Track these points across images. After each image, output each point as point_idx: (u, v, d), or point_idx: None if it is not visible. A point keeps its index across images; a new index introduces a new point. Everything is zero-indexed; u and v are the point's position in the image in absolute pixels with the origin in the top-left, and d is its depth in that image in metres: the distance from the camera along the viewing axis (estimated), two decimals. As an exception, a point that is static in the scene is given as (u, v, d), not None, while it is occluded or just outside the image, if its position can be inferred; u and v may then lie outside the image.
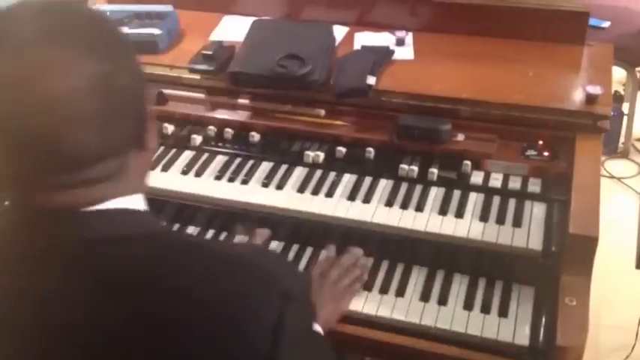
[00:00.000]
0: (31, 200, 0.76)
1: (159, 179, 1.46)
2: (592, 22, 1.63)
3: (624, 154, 3.20)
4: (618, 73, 3.00)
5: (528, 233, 1.28)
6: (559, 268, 1.20)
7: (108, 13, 1.71)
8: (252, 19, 1.73)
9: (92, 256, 0.76)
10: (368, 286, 1.30)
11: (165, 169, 1.50)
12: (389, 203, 1.37)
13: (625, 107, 3.07)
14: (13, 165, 0.75)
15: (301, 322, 0.81)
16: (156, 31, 1.66)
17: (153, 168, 1.49)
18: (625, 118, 3.09)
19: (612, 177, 2.98)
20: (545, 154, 1.40)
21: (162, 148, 1.55)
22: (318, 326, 1.07)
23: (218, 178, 1.46)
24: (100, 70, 0.73)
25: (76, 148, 0.73)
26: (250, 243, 1.36)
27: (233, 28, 1.76)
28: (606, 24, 2.74)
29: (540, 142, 1.41)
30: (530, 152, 1.41)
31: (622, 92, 3.11)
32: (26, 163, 0.74)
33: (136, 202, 0.82)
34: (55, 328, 0.75)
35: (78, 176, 0.75)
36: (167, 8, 1.74)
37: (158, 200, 1.41)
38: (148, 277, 0.76)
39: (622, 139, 3.19)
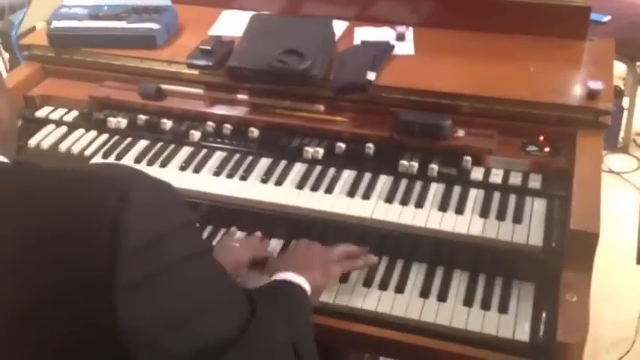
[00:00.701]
0: None
1: (157, 175, 1.44)
2: (592, 16, 1.62)
3: (624, 149, 3.20)
4: (618, 68, 3.00)
5: (529, 229, 1.27)
6: (560, 264, 1.20)
7: (105, 7, 1.70)
8: (251, 13, 1.72)
9: None
10: (367, 283, 1.29)
11: (163, 164, 1.49)
12: (389, 199, 1.36)
13: (625, 102, 3.06)
14: None
15: (148, 228, 0.74)
16: (154, 25, 1.65)
17: (151, 164, 1.49)
18: (625, 113, 3.09)
19: (612, 172, 2.97)
20: (546, 149, 1.39)
21: (160, 144, 1.55)
22: (282, 274, 1.13)
23: (217, 174, 1.45)
24: None
25: None
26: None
27: (232, 23, 1.75)
28: (607, 18, 2.74)
29: (541, 138, 1.40)
30: (531, 148, 1.40)
31: (622, 87, 3.10)
32: None
33: None
34: None
35: None
36: (165, 3, 1.73)
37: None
38: None
39: (622, 133, 3.19)
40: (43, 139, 1.57)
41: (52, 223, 0.73)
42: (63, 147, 1.54)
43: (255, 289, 1.07)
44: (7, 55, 3.02)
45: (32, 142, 1.56)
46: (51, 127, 1.61)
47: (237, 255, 1.31)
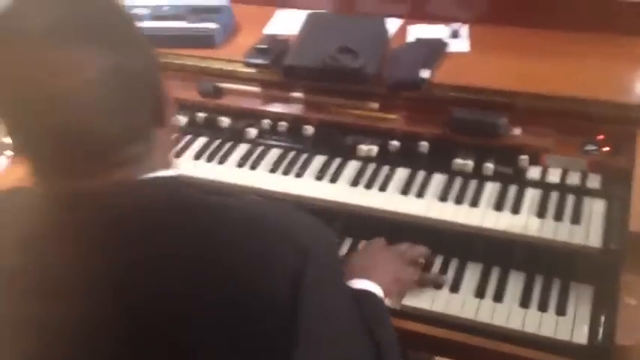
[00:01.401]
0: (66, 187, 0.79)
1: (215, 172, 1.49)
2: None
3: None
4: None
5: (587, 230, 1.25)
6: (619, 266, 1.17)
7: (166, 8, 1.74)
8: (305, 12, 1.73)
9: (122, 226, 0.78)
10: (421, 282, 1.30)
11: (221, 161, 1.52)
12: (443, 198, 1.36)
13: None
14: (44, 155, 0.79)
15: (323, 280, 0.80)
16: (212, 25, 1.68)
17: (210, 161, 1.52)
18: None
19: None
20: (606, 149, 1.36)
21: (218, 141, 1.58)
22: (360, 282, 1.11)
23: (272, 170, 1.48)
24: (109, 61, 0.76)
25: (99, 136, 0.77)
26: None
27: (287, 22, 1.77)
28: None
29: (600, 137, 1.38)
30: (590, 147, 1.37)
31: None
32: (56, 154, 0.78)
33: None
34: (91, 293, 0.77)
35: (108, 160, 0.79)
36: (223, 2, 1.76)
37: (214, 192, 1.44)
38: (169, 241, 0.77)
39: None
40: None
41: (230, 269, 0.76)
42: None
43: None
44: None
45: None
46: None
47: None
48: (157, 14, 1.73)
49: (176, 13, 1.72)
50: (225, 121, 1.59)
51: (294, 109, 1.57)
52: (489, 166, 1.39)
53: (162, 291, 0.75)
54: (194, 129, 1.61)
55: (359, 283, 1.15)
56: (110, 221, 0.78)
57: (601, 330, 1.15)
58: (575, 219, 1.28)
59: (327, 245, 0.86)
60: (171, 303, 0.75)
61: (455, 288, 1.28)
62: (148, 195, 0.81)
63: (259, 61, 1.59)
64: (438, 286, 1.28)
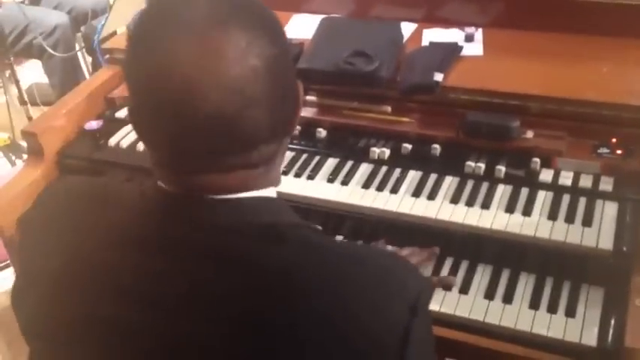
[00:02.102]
0: (186, 182, 0.77)
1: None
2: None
3: None
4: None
5: (599, 232, 1.25)
6: (630, 268, 1.17)
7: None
8: (320, 17, 1.75)
9: (222, 243, 0.76)
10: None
11: (234, 163, 1.54)
12: (454, 200, 1.36)
13: None
14: (184, 144, 0.75)
15: (426, 334, 0.80)
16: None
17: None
18: None
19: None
20: (619, 152, 1.36)
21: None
22: None
23: (285, 173, 1.49)
24: (273, 52, 0.74)
25: (251, 128, 0.74)
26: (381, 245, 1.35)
27: (302, 26, 1.79)
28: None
29: (613, 140, 1.37)
30: (603, 150, 1.37)
31: None
32: (201, 143, 0.74)
33: (271, 193, 0.83)
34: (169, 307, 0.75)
35: (245, 157, 0.77)
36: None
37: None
38: (273, 274, 0.74)
39: None
40: (123, 138, 1.65)
41: (343, 317, 0.74)
42: (140, 146, 1.62)
43: None
44: (89, 59, 3.17)
45: (112, 141, 1.65)
46: (130, 127, 1.69)
47: None
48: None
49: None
50: (239, 123, 1.61)
51: (308, 112, 1.59)
52: (501, 169, 1.39)
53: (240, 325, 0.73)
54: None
55: None
56: (208, 245, 0.76)
57: (611, 332, 1.15)
58: (587, 221, 1.27)
59: (429, 298, 0.84)
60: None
61: (464, 290, 1.28)
62: (256, 230, 0.77)
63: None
64: (447, 287, 1.28)
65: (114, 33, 2.03)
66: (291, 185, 1.46)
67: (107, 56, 1.84)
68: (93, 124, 1.66)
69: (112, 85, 1.79)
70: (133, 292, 0.77)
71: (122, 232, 0.80)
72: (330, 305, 0.73)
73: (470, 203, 1.35)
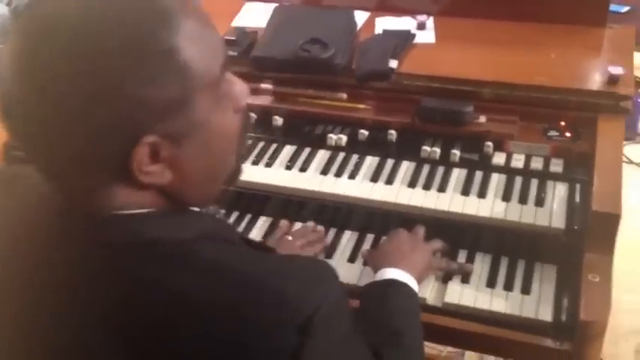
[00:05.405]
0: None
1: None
2: (611, 7, 1.63)
3: (643, 140, 3.18)
4: (636, 59, 2.98)
5: (551, 212, 1.29)
6: (582, 246, 1.21)
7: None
8: (273, 5, 1.75)
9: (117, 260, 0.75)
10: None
11: (190, 152, 1.52)
12: (412, 184, 1.39)
13: (644, 93, 3.05)
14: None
15: (326, 349, 0.75)
16: (180, 17, 1.68)
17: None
18: (644, 104, 3.07)
19: (631, 162, 2.96)
20: (567, 134, 1.41)
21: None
22: (391, 271, 1.13)
23: (243, 160, 1.48)
24: None
25: None
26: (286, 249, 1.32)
27: (255, 15, 1.78)
28: (625, 9, 2.73)
29: (562, 123, 1.42)
30: (552, 133, 1.42)
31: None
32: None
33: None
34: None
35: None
36: (190, -5, 1.76)
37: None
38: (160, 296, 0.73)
39: (641, 125, 3.17)
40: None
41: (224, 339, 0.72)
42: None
43: (366, 294, 1.13)
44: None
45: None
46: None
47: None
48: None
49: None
50: (194, 112, 1.59)
51: (263, 100, 1.58)
52: (456, 153, 1.42)
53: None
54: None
55: (390, 273, 1.16)
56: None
57: (565, 307, 1.19)
58: (539, 202, 1.31)
59: (330, 311, 0.76)
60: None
61: (424, 271, 1.30)
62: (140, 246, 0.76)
63: (228, 52, 1.59)
64: (465, 275, 1.27)
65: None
66: (250, 173, 1.45)
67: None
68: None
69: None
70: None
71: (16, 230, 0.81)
72: (219, 332, 0.71)
73: (427, 187, 1.38)
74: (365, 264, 1.32)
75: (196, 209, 0.83)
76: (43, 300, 0.77)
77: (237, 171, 0.89)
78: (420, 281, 1.21)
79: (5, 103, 0.71)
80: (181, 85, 0.71)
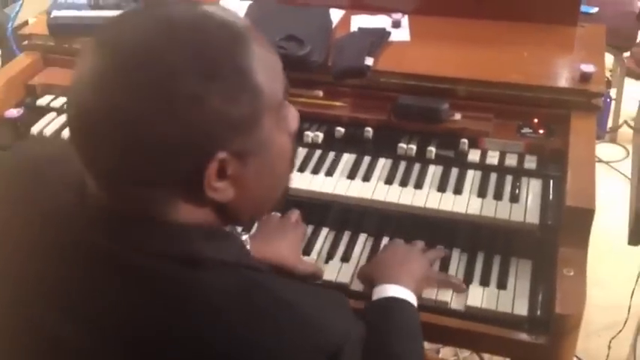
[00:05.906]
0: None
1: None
2: (582, 8, 1.67)
3: (612, 139, 3.25)
4: (606, 59, 3.04)
5: (525, 208, 1.30)
6: (556, 240, 1.23)
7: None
8: (249, 2, 1.74)
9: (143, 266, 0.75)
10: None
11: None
12: (388, 181, 1.39)
13: (612, 93, 3.11)
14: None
15: None
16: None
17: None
18: (613, 104, 3.14)
19: (601, 161, 3.02)
20: (541, 131, 1.43)
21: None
22: (391, 288, 1.12)
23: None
24: None
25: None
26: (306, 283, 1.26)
27: (230, 12, 1.77)
28: (595, 10, 2.79)
29: (535, 121, 1.44)
30: (526, 130, 1.43)
31: (609, 78, 3.15)
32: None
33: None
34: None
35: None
36: (164, -8, 1.75)
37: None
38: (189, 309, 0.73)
39: (610, 124, 3.24)
40: (46, 126, 1.58)
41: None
42: (65, 134, 1.56)
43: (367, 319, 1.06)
44: (-1, 50, 3.02)
45: (34, 129, 1.57)
46: (52, 115, 1.62)
47: (281, 251, 1.27)
48: (96, 3, 1.70)
49: (115, 2, 1.70)
50: (169, 109, 1.58)
51: (240, 98, 1.57)
52: (432, 150, 1.43)
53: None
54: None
55: (391, 290, 1.14)
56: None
57: (540, 301, 1.20)
58: (514, 198, 1.33)
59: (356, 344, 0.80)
60: None
61: (401, 267, 1.30)
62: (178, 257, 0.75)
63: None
64: (460, 290, 1.25)
65: (26, 22, 1.95)
66: (226, 170, 1.44)
67: (25, 42, 1.75)
68: (13, 113, 1.59)
69: (31, 72, 1.71)
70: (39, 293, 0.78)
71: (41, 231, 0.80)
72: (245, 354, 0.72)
73: (404, 183, 1.38)
74: (359, 276, 1.28)
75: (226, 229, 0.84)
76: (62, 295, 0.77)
77: (287, 190, 0.91)
78: (418, 293, 1.18)
79: (83, 120, 0.72)
80: (254, 104, 0.74)
